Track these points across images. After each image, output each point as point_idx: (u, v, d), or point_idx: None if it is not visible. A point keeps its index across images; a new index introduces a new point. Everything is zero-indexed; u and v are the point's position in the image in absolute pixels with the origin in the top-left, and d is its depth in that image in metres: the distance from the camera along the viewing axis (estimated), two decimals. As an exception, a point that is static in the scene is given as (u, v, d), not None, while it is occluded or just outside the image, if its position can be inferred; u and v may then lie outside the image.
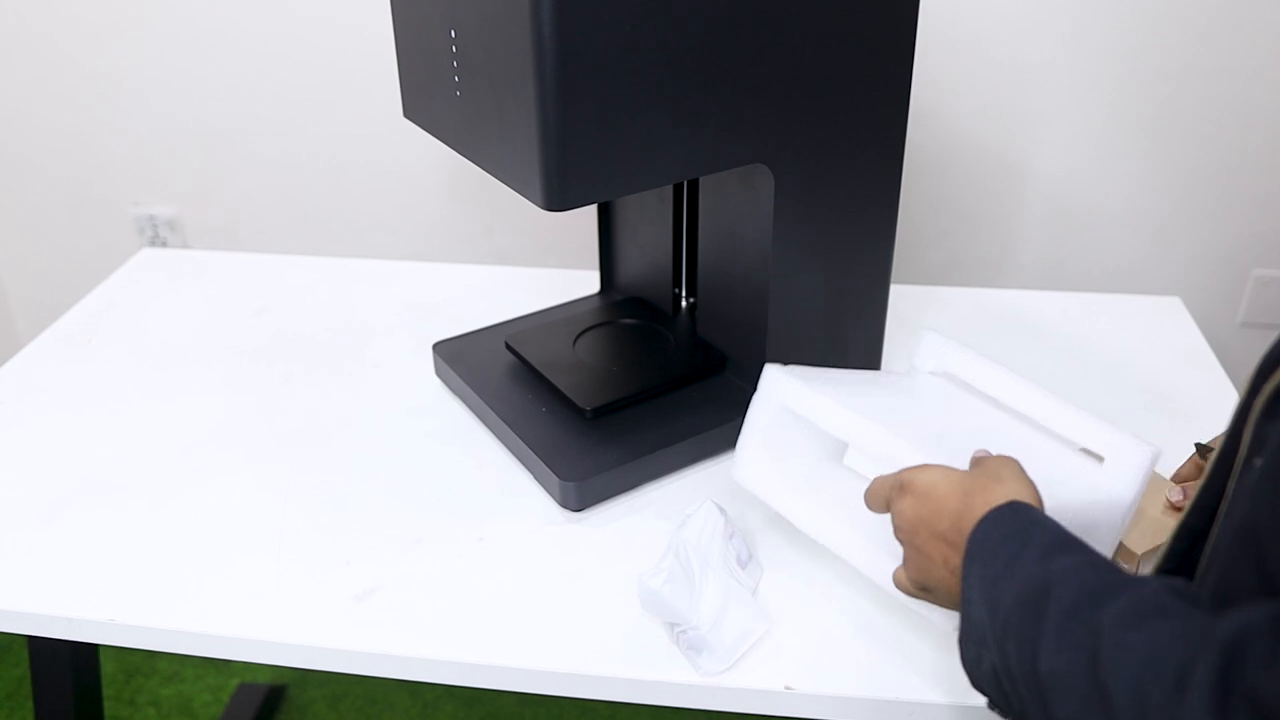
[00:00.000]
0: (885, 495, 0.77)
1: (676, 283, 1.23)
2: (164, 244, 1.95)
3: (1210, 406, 1.20)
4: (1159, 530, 0.96)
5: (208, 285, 1.48)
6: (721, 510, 0.96)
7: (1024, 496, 0.69)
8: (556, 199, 0.89)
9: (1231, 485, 0.60)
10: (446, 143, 1.03)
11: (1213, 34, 1.53)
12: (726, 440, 1.11)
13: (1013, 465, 0.73)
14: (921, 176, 1.66)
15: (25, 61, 1.83)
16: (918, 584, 0.74)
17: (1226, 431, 0.65)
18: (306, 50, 1.74)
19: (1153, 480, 1.03)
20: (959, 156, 1.66)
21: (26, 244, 2.02)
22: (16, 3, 1.77)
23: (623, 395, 1.11)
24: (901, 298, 1.39)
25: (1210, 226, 1.68)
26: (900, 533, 0.75)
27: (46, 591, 0.96)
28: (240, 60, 1.77)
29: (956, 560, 0.68)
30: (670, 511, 1.04)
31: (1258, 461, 0.56)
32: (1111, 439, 0.89)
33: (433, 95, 1.01)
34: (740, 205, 1.07)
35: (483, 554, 1.00)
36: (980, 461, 0.75)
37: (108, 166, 1.91)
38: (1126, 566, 0.95)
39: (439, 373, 1.24)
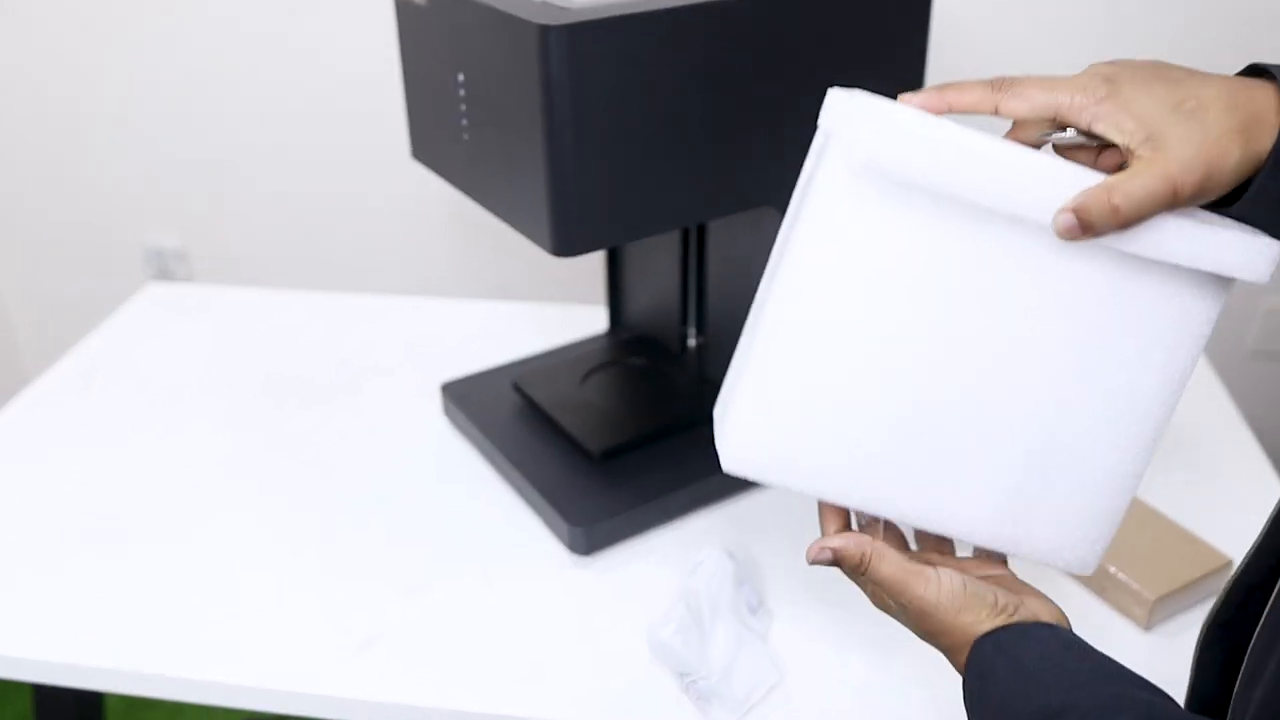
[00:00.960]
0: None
1: (685, 321, 1.23)
2: (170, 275, 1.95)
3: (1218, 437, 1.19)
4: (1174, 575, 0.95)
5: (213, 321, 1.47)
6: (731, 556, 0.96)
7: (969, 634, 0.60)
8: (565, 245, 0.88)
9: None
10: (454, 184, 1.02)
11: (1220, 65, 1.53)
12: (736, 483, 1.10)
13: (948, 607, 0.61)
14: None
15: (30, 93, 1.83)
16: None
17: None
18: (314, 83, 1.74)
19: (1159, 519, 1.02)
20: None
21: (34, 274, 2.02)
22: (22, 35, 1.78)
23: (631, 437, 1.10)
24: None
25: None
26: (897, 614, 0.67)
27: (49, 637, 0.95)
28: (248, 93, 1.77)
29: (954, 661, 0.63)
30: (679, 555, 1.03)
31: None
32: (1220, 254, 0.57)
33: (440, 138, 1.01)
34: (749, 245, 1.07)
35: (489, 599, 0.99)
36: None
37: (114, 198, 1.91)
38: (1139, 611, 0.94)
39: (446, 412, 1.23)
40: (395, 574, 1.02)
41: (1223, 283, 0.60)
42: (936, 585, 0.61)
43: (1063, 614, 0.62)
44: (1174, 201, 0.55)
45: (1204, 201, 0.57)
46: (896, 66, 1.00)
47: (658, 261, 1.23)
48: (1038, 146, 0.61)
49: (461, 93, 0.94)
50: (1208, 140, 0.54)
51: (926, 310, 0.60)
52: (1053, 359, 0.60)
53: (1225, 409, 1.25)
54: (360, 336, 1.43)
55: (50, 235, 1.97)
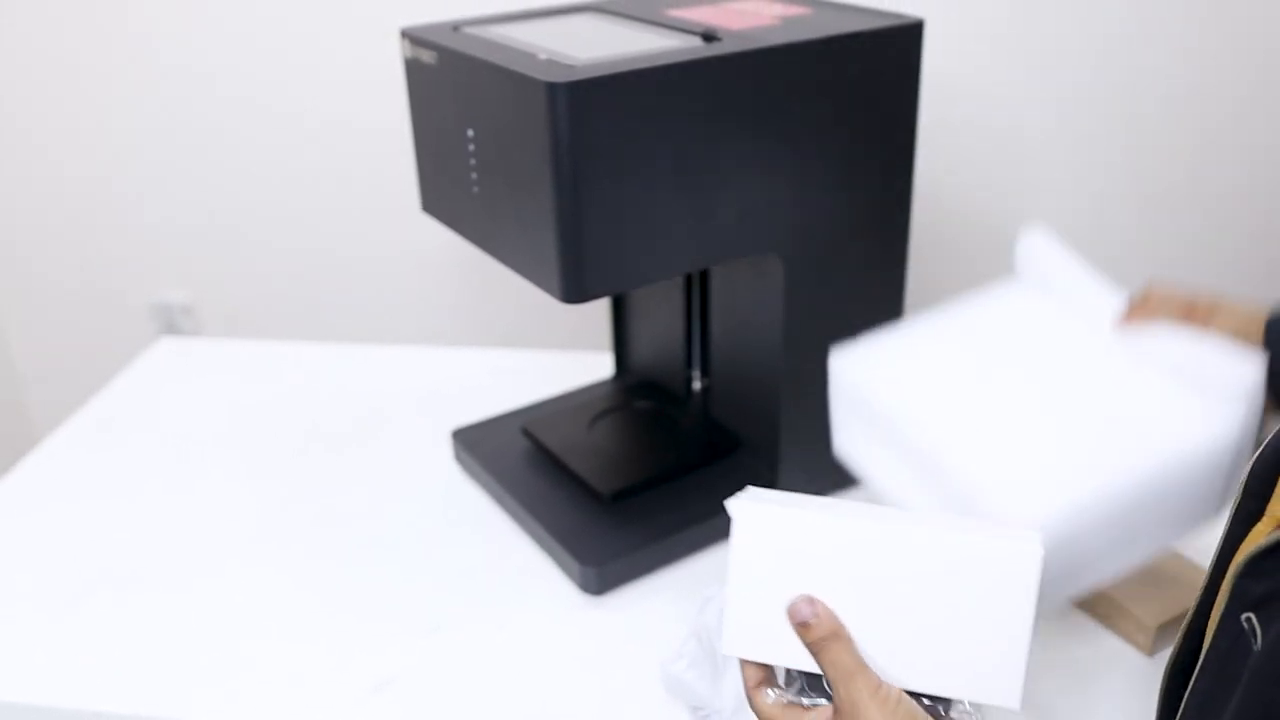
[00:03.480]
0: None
1: (689, 365, 1.25)
2: (177, 330, 1.98)
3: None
4: (1176, 601, 0.97)
5: (225, 374, 1.50)
6: (741, 592, 0.97)
7: None
8: (574, 292, 0.91)
9: (1214, 629, 0.59)
10: (464, 236, 1.06)
11: (1205, 104, 1.57)
12: (743, 521, 1.12)
13: None
14: (923, 251, 1.69)
15: (35, 148, 1.87)
16: None
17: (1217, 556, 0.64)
18: (321, 137, 1.78)
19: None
20: (958, 231, 1.69)
21: (41, 329, 2.05)
22: (27, 92, 1.82)
23: (640, 479, 1.13)
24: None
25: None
26: None
27: (65, 685, 0.97)
28: (254, 147, 1.81)
29: None
30: (690, 592, 1.04)
31: (1247, 617, 0.55)
32: (1207, 361, 0.80)
33: (451, 191, 1.04)
34: (751, 290, 1.10)
35: (503, 640, 1.01)
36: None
37: (120, 254, 1.94)
38: (1142, 638, 0.96)
39: (458, 458, 1.26)
40: (410, 617, 1.04)
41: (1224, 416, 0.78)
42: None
43: None
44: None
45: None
46: (890, 113, 1.04)
47: (661, 307, 1.26)
48: None
49: (471, 147, 0.98)
50: None
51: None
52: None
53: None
54: (370, 386, 1.45)
55: (56, 290, 2.00)
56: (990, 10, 1.53)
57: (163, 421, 1.39)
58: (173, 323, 1.98)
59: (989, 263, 1.71)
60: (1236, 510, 0.62)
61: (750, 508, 0.67)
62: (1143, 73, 1.56)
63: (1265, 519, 0.59)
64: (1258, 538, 0.56)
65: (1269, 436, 0.62)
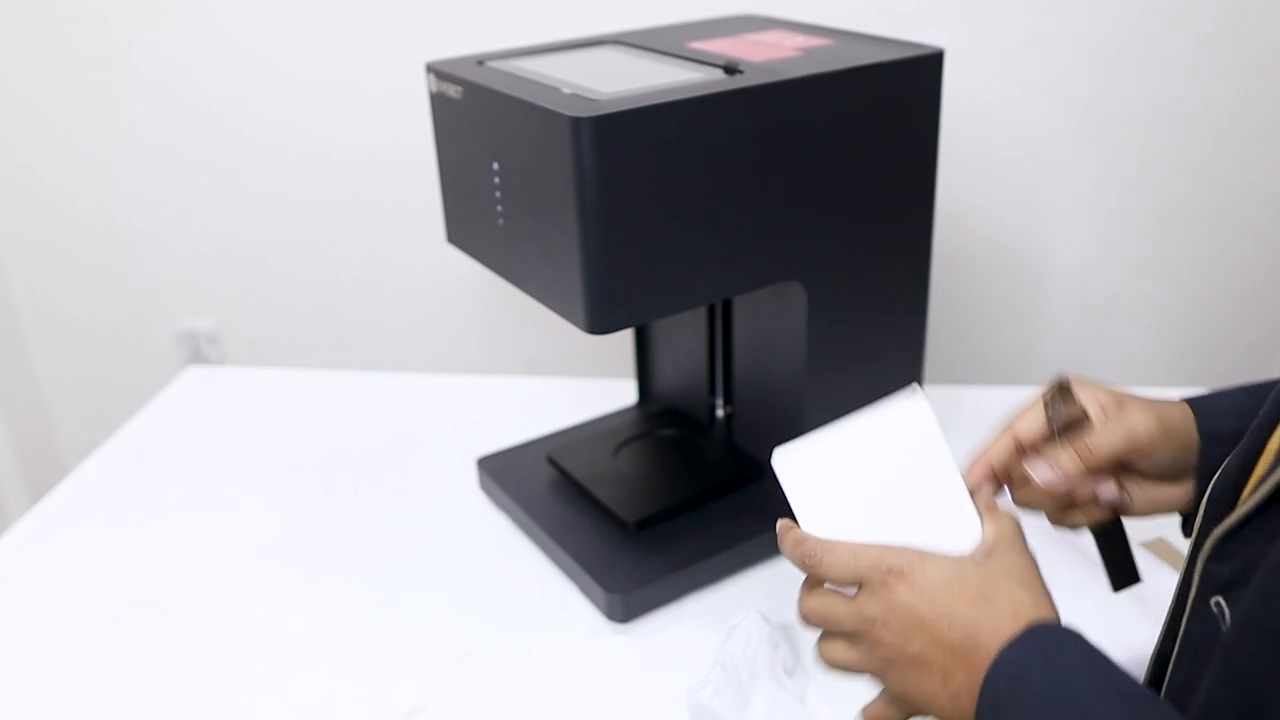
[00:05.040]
0: (855, 573, 0.61)
1: (712, 393, 1.26)
2: (203, 358, 2.00)
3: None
4: None
5: (253, 402, 1.52)
6: (766, 619, 0.98)
7: (1043, 609, 0.58)
8: (599, 324, 0.92)
9: (1185, 619, 0.59)
10: (490, 267, 1.07)
11: (1222, 126, 1.57)
12: (768, 548, 1.12)
13: (1028, 568, 0.61)
14: (944, 274, 1.69)
15: (60, 178, 1.90)
16: (901, 702, 0.61)
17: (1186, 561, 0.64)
18: (344, 168, 1.80)
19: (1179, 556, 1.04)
20: (979, 254, 1.70)
21: (68, 359, 2.07)
22: (53, 123, 1.85)
23: (665, 506, 1.13)
24: (932, 399, 1.40)
25: (1230, 313, 1.70)
26: (880, 630, 0.59)
27: (95, 716, 0.98)
28: (279, 177, 1.83)
29: (962, 682, 0.56)
30: (715, 619, 1.05)
31: (1216, 601, 0.56)
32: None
33: (476, 223, 1.06)
34: (773, 317, 1.11)
35: (531, 668, 1.01)
36: (993, 552, 0.61)
37: (146, 283, 1.96)
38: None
39: (483, 486, 1.26)
40: (438, 645, 1.04)
41: None
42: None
43: None
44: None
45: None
46: (911, 141, 1.05)
47: (684, 335, 1.27)
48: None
49: (496, 180, 0.99)
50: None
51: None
52: None
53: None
54: (396, 414, 1.46)
55: (83, 320, 2.02)
56: (1007, 37, 1.54)
57: (192, 451, 1.40)
58: (199, 351, 2.00)
59: (1007, 282, 1.72)
60: (1200, 528, 0.63)
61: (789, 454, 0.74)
62: (1158, 94, 1.56)
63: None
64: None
65: (1227, 459, 0.62)
